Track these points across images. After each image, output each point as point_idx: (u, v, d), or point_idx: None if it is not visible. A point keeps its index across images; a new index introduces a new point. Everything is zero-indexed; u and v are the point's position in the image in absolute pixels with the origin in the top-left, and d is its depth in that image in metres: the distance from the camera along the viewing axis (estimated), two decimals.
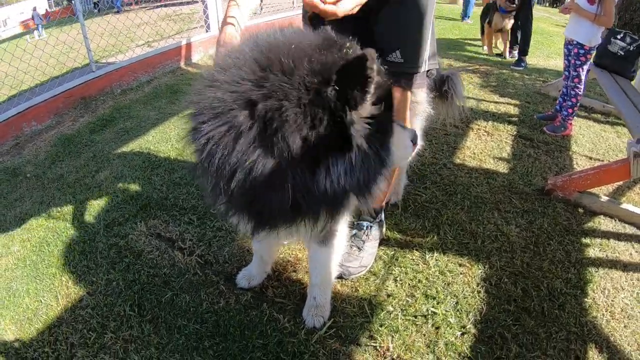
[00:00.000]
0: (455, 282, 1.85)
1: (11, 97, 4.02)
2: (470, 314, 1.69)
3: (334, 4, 1.01)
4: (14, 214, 2.46)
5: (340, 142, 0.86)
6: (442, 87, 2.07)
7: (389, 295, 1.76)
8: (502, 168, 2.83)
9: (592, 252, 2.10)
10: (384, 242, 2.04)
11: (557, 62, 5.81)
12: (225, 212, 1.05)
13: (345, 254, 1.64)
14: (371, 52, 0.81)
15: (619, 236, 2.24)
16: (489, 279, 1.88)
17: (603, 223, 2.33)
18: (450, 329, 1.62)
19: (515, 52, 5.75)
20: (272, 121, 0.82)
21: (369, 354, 1.52)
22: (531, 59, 5.71)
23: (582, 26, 3.15)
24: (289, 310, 1.66)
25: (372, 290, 1.78)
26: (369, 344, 1.56)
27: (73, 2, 4.27)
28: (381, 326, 1.62)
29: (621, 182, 2.70)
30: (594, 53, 3.33)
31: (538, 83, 4.75)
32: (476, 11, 8.51)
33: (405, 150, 1.14)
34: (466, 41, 6.94)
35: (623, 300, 1.82)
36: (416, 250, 2.01)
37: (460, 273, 1.90)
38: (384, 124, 0.95)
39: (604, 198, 2.44)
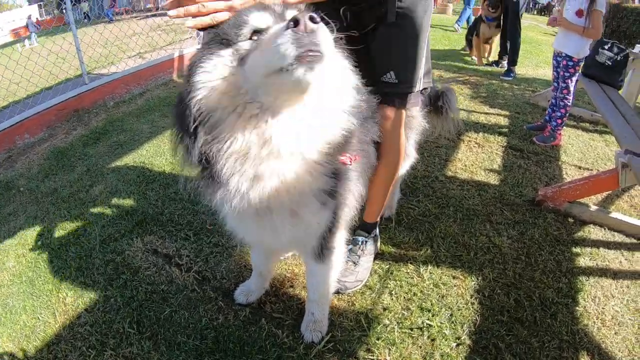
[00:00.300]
0: (450, 295, 1.88)
1: (3, 108, 4.01)
2: (465, 325, 1.72)
3: None
4: (8, 229, 2.45)
5: None
6: (437, 102, 2.11)
7: (385, 309, 1.78)
8: (493, 179, 2.89)
9: (583, 261, 2.15)
10: (378, 256, 2.06)
11: (546, 71, 5.92)
12: None
13: (341, 269, 1.66)
14: None
15: (608, 244, 2.30)
16: (482, 290, 1.91)
17: (593, 232, 2.38)
18: (446, 340, 1.65)
19: (505, 62, 5.86)
20: None
21: None
22: (520, 69, 5.83)
23: (571, 39, 3.24)
24: (287, 325, 1.68)
25: (368, 304, 1.80)
26: (366, 357, 1.58)
27: (64, 12, 4.28)
28: (378, 339, 1.64)
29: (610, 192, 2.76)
30: (582, 64, 3.41)
31: (527, 93, 4.85)
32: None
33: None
34: (456, 52, 7.06)
35: (613, 307, 1.87)
36: (410, 263, 2.04)
37: (454, 285, 1.93)
38: None
39: (594, 207, 2.50)
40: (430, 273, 1.99)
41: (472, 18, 8.30)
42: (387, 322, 1.72)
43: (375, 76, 1.41)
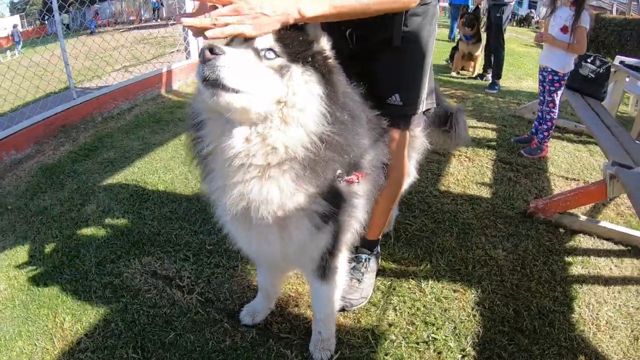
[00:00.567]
0: (452, 308, 1.91)
1: None
2: (468, 337, 1.76)
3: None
4: None
5: None
6: (445, 123, 2.12)
7: (390, 325, 1.80)
8: (485, 193, 2.95)
9: (575, 270, 2.23)
10: (380, 272, 2.08)
11: (529, 84, 6.11)
12: None
13: (346, 287, 1.67)
14: None
15: (598, 252, 2.38)
16: (482, 302, 1.95)
17: (583, 241, 2.47)
18: (451, 353, 1.68)
19: (489, 76, 6.03)
20: None
21: None
22: (504, 81, 5.99)
23: (556, 54, 3.35)
24: (295, 345, 1.67)
25: (373, 320, 1.82)
26: None
27: (46, 23, 4.22)
28: (386, 355, 1.66)
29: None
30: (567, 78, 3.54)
31: (512, 106, 4.98)
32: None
33: None
34: (442, 66, 7.22)
35: (607, 312, 1.94)
36: (412, 278, 2.07)
37: (455, 299, 1.97)
38: None
39: (583, 217, 2.58)
40: (432, 287, 2.02)
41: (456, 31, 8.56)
42: (394, 337, 1.73)
43: (380, 98, 1.44)
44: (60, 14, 4.13)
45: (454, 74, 6.58)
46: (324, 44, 1.13)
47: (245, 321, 1.75)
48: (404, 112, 1.52)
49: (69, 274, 2.12)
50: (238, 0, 0.98)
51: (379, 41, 1.42)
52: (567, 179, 3.25)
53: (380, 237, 2.00)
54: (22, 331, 1.82)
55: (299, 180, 1.08)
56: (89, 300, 1.95)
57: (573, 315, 1.91)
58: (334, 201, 1.22)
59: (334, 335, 1.65)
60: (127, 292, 1.97)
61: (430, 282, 2.05)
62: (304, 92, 1.03)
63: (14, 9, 18.06)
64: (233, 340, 1.69)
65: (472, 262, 2.21)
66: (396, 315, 1.85)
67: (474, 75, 6.47)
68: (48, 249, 2.33)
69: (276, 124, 1.03)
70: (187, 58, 5.47)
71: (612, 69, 3.94)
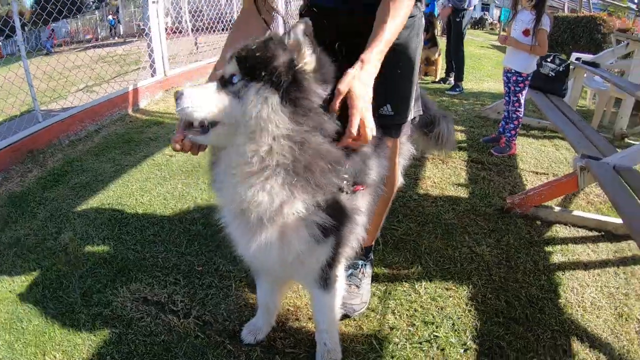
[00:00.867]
0: (447, 306, 1.97)
1: None
2: (467, 331, 1.82)
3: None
4: None
5: None
6: (432, 129, 2.19)
7: (391, 328, 1.83)
8: (463, 193, 3.06)
9: (556, 258, 2.35)
10: (373, 278, 2.10)
11: (490, 85, 6.39)
12: None
13: (345, 294, 1.69)
14: None
15: (575, 240, 2.53)
16: (475, 297, 2.02)
17: (560, 230, 2.61)
18: (454, 348, 1.73)
19: (451, 79, 6.26)
20: None
21: None
22: (465, 84, 6.24)
23: (519, 56, 3.53)
24: (302, 358, 1.66)
25: (375, 325, 1.84)
26: None
27: (1, 44, 4.05)
28: (393, 358, 1.68)
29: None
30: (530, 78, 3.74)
31: (477, 107, 5.18)
32: None
33: None
34: None
35: (590, 295, 2.07)
36: (405, 282, 2.11)
37: (449, 296, 2.02)
38: None
39: (557, 208, 2.73)
40: (425, 288, 2.07)
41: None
42: (397, 340, 1.76)
43: (372, 109, 1.47)
44: (14, 35, 3.96)
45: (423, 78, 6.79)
46: (302, 53, 1.13)
47: (248, 340, 1.71)
48: (396, 122, 1.57)
49: (54, 308, 2.02)
50: (357, 102, 1.15)
51: None
52: (537, 173, 3.41)
53: (373, 243, 2.03)
54: None
55: (290, 187, 1.13)
56: (79, 334, 1.86)
57: (560, 300, 2.02)
58: (335, 215, 1.25)
59: (338, 344, 1.65)
60: (119, 322, 1.89)
61: (423, 283, 2.10)
62: (259, 103, 1.08)
63: None
64: None
65: (459, 260, 2.28)
66: (395, 318, 1.88)
67: (436, 80, 6.70)
68: (27, 282, 2.21)
69: (249, 136, 1.10)
70: (152, 75, 5.36)
71: (572, 67, 4.18)
